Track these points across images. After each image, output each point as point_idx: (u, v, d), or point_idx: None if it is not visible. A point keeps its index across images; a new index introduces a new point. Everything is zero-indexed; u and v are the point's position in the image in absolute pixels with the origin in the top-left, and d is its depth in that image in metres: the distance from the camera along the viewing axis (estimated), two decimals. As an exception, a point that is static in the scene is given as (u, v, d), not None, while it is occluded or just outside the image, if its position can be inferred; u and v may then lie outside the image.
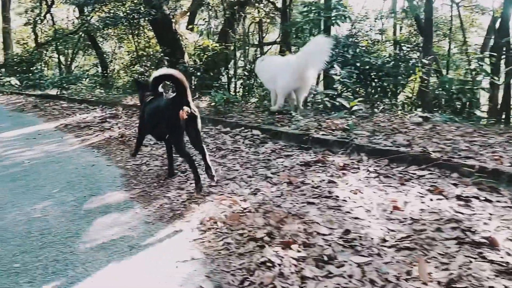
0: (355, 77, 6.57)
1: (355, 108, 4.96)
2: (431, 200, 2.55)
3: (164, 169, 3.72)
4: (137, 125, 3.93)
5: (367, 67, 6.79)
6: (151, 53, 12.10)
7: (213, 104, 5.80)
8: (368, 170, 3.16)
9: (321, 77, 7.69)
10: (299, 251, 2.01)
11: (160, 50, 11.27)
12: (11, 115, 7.38)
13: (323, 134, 4.01)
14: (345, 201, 2.62)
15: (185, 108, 2.80)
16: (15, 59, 14.25)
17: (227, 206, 2.71)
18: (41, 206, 3.04)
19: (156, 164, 3.89)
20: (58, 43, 13.80)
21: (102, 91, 9.86)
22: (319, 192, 2.81)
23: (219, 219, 2.50)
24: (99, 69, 17.67)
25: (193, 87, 9.13)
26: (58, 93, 9.33)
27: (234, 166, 3.55)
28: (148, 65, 10.82)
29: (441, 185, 2.76)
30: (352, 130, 3.94)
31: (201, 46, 9.09)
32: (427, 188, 2.74)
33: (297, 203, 2.64)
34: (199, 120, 2.99)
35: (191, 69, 8.56)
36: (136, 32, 11.82)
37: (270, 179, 3.16)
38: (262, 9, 9.55)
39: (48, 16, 13.70)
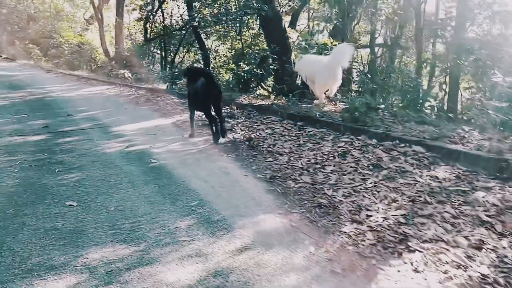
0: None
1: None
2: None
3: (318, 188, 3.01)
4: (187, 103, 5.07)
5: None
6: (256, 50, 11.73)
7: (347, 108, 5.00)
8: None
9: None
10: None
11: (266, 47, 10.81)
12: (127, 108, 7.35)
13: (530, 162, 2.96)
14: None
15: None
16: (125, 53, 14.92)
17: (451, 265, 1.87)
18: (185, 225, 2.50)
19: (305, 179, 3.19)
20: (166, 39, 14.12)
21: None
22: None
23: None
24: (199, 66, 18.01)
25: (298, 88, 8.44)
26: (168, 87, 9.28)
27: (417, 196, 2.69)
28: (252, 62, 10.43)
29: None
30: None
31: (317, 45, 8.33)
32: None
33: None
34: (221, 98, 4.52)
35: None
36: (244, 29, 11.54)
37: (489, 224, 2.25)
38: (391, 5, 8.51)
39: (158, 12, 14.08)
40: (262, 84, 11.61)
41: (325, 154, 3.83)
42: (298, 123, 5.23)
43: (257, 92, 11.42)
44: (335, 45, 8.11)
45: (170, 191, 3.10)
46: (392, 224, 2.31)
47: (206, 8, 11.97)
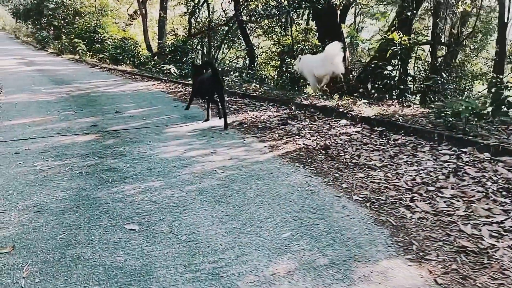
0: None
1: None
2: None
3: (446, 221, 2.29)
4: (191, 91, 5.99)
5: None
6: (307, 46, 11.01)
7: (439, 112, 4.22)
8: None
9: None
10: None
11: (318, 43, 10.07)
12: (176, 105, 6.85)
13: None
14: None
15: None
16: (169, 49, 14.61)
17: None
18: (284, 270, 1.87)
19: (422, 207, 2.48)
20: (210, 34, 13.65)
21: (258, 85, 9.00)
22: None
23: None
24: (240, 63, 17.47)
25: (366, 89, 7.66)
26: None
27: None
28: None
29: None
30: None
31: (383, 40, 7.52)
32: None
33: None
34: (223, 89, 5.06)
35: (372, 66, 7.06)
36: (294, 23, 10.85)
37: None
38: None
39: (204, 6, 13.64)
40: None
41: (430, 171, 3.09)
42: (377, 129, 4.50)
43: (306, 90, 10.71)
44: (405, 40, 7.30)
45: (250, 215, 2.49)
46: None
47: (255, 2, 11.37)
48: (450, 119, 4.07)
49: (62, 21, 20.33)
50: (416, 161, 3.36)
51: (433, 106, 5.42)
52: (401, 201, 2.58)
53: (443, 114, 4.16)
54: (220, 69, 9.91)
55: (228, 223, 2.38)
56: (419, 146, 3.75)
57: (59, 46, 17.99)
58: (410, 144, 3.86)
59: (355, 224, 2.32)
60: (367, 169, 3.26)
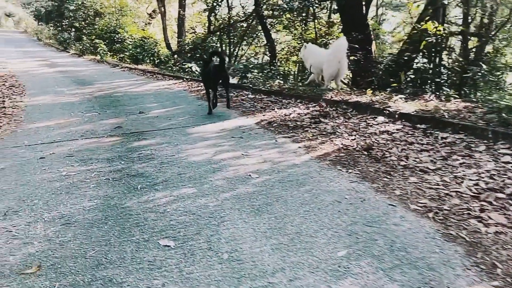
0: None
1: None
2: None
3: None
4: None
5: None
6: (331, 40, 10.63)
7: (492, 107, 3.85)
8: None
9: None
10: None
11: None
12: (200, 105, 6.62)
13: None
14: None
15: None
16: (188, 47, 14.46)
17: None
18: (348, 298, 1.59)
19: (496, 219, 2.16)
20: (230, 30, 13.40)
21: (282, 81, 8.70)
22: None
23: None
24: (260, 59, 17.18)
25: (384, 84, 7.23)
26: (240, 82, 8.49)
27: None
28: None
29: None
30: None
31: (416, 31, 7.10)
32: None
33: None
34: (228, 78, 5.77)
35: (404, 58, 6.65)
36: (310, 18, 10.49)
37: None
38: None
39: (223, 3, 13.39)
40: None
41: (493, 175, 2.75)
42: (419, 126, 4.15)
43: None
44: (439, 30, 6.87)
45: (296, 228, 2.22)
46: None
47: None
48: (504, 114, 3.69)
49: (83, 22, 20.47)
50: (474, 162, 3.01)
51: (478, 99, 5.01)
52: (469, 211, 2.26)
53: (495, 109, 3.79)
54: (242, 66, 9.63)
55: (273, 237, 2.12)
56: (472, 145, 3.40)
57: (81, 47, 18.10)
58: (461, 143, 3.50)
59: (421, 240, 2.01)
60: (419, 172, 2.94)
